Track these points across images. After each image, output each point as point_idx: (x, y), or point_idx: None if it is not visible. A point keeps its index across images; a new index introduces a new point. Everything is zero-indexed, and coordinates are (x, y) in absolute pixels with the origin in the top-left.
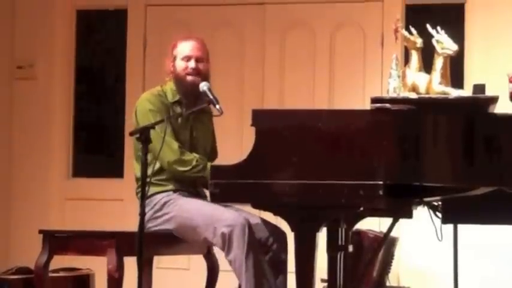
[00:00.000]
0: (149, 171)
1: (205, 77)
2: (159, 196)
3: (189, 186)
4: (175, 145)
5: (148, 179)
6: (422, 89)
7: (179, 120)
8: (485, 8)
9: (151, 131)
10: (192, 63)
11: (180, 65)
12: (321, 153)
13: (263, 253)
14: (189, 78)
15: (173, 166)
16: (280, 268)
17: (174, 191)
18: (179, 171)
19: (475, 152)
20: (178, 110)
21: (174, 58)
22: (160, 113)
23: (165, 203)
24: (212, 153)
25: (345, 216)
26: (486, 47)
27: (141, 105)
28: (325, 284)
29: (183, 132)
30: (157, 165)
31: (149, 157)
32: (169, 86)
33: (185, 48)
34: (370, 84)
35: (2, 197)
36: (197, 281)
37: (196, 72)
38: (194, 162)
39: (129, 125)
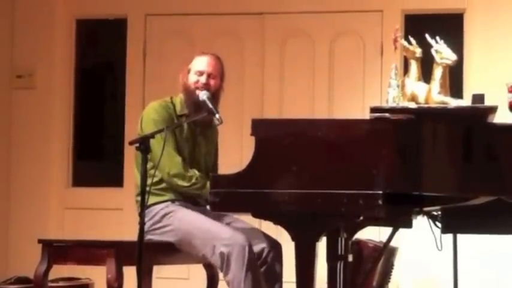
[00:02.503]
0: (149, 180)
1: (214, 93)
2: (158, 207)
3: (187, 196)
4: (178, 158)
5: (148, 188)
6: (421, 98)
7: (184, 133)
8: (485, 17)
9: (154, 141)
10: (203, 79)
11: (192, 78)
12: (321, 162)
13: (259, 265)
14: (198, 92)
15: (173, 179)
16: (275, 280)
17: (173, 201)
18: (178, 185)
19: (475, 161)
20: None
21: (189, 71)
22: (165, 123)
23: (164, 215)
24: (212, 170)
25: (345, 225)
26: (485, 56)
27: (147, 114)
28: None
29: (185, 145)
30: (158, 177)
31: (150, 166)
32: (180, 98)
33: (199, 62)
34: (370, 93)
35: (1, 206)
36: None
37: (206, 87)
38: (194, 180)
39: (129, 134)
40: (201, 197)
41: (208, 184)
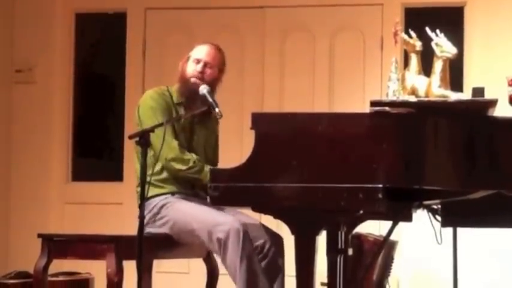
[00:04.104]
0: (149, 171)
1: (210, 83)
2: (157, 199)
3: (187, 188)
4: (174, 143)
5: (148, 179)
6: (421, 92)
7: (181, 122)
8: (485, 11)
9: (153, 133)
10: (199, 67)
11: (189, 66)
12: (321, 156)
13: (260, 259)
14: (192, 80)
15: (170, 163)
16: (276, 274)
17: (172, 193)
18: (175, 169)
19: (475, 155)
20: (181, 111)
21: (187, 59)
22: (163, 111)
23: (162, 206)
24: (212, 162)
25: (345, 219)
26: (485, 50)
27: (144, 102)
28: None
29: (182, 134)
30: (159, 166)
31: (151, 155)
32: (176, 87)
33: (199, 51)
34: (370, 87)
35: (1, 201)
36: (197, 285)
37: (201, 75)
38: (191, 163)
39: (129, 128)
40: (200, 181)
41: (206, 168)
